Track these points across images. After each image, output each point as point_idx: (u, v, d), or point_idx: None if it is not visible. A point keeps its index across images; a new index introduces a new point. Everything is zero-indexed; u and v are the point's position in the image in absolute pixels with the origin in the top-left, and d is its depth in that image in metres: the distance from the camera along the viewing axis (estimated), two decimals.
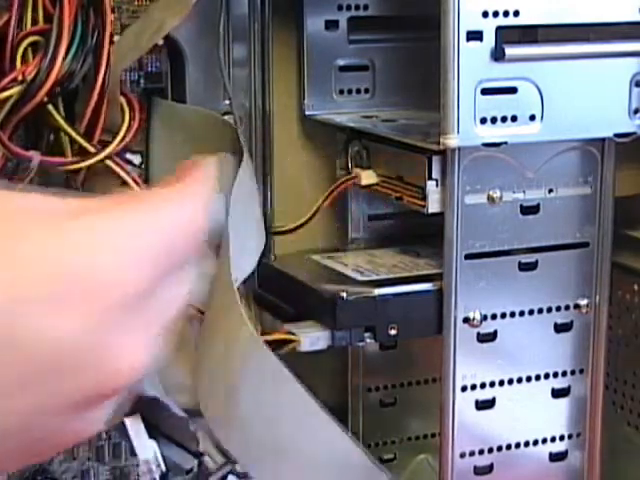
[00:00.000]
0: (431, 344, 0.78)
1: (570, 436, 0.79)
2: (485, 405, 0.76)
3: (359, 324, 0.74)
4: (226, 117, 0.77)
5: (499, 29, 0.68)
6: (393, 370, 0.90)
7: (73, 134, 0.70)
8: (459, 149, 0.71)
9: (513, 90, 0.70)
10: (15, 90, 0.67)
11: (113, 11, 0.74)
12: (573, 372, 0.78)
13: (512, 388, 0.77)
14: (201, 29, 0.78)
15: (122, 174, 0.72)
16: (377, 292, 0.74)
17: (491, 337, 0.75)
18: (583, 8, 0.71)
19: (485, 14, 0.68)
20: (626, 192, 0.79)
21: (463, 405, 0.75)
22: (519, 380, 0.77)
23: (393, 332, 0.74)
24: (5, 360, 0.37)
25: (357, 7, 0.85)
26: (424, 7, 0.74)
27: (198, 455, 0.70)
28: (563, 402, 0.79)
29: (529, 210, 0.74)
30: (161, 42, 0.76)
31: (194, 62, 0.79)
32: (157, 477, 0.68)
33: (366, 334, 0.74)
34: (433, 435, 0.89)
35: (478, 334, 0.75)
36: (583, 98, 0.72)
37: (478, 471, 0.77)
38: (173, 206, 0.42)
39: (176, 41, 0.77)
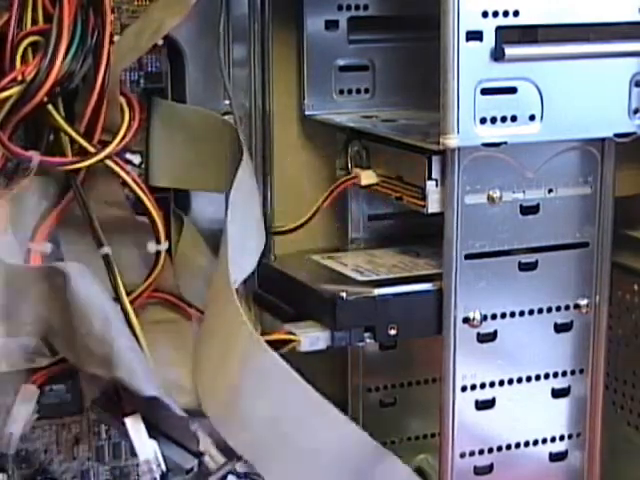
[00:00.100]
0: (431, 344, 0.78)
1: (570, 436, 0.79)
2: (485, 405, 0.76)
3: (359, 324, 0.74)
4: (226, 117, 0.77)
5: (499, 29, 0.68)
6: (393, 370, 0.90)
7: (73, 134, 0.70)
8: (459, 149, 0.71)
9: (513, 90, 0.70)
10: (15, 90, 0.67)
11: (113, 11, 0.74)
12: (573, 372, 0.78)
13: (512, 388, 0.77)
14: (201, 29, 0.78)
15: (122, 174, 0.72)
16: (377, 292, 0.74)
17: (491, 337, 0.75)
18: (583, 8, 0.71)
19: (485, 14, 0.68)
20: (626, 192, 0.80)
21: (463, 405, 0.76)
22: (519, 380, 0.77)
23: (393, 332, 0.74)
24: None
25: (357, 7, 0.85)
26: (424, 7, 0.74)
27: (198, 455, 0.70)
28: (563, 402, 0.79)
29: (529, 210, 0.74)
30: (161, 42, 0.76)
31: (194, 62, 0.79)
32: (157, 477, 0.68)
33: (366, 334, 0.74)
34: (433, 435, 0.89)
35: (478, 334, 0.75)
36: (583, 98, 0.72)
37: (478, 471, 0.77)
38: None
39: (176, 41, 0.77)
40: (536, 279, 0.75)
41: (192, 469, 0.70)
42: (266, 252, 0.78)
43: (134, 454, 0.69)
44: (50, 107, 0.69)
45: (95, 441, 0.83)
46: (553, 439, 0.79)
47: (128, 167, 0.73)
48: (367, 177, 0.80)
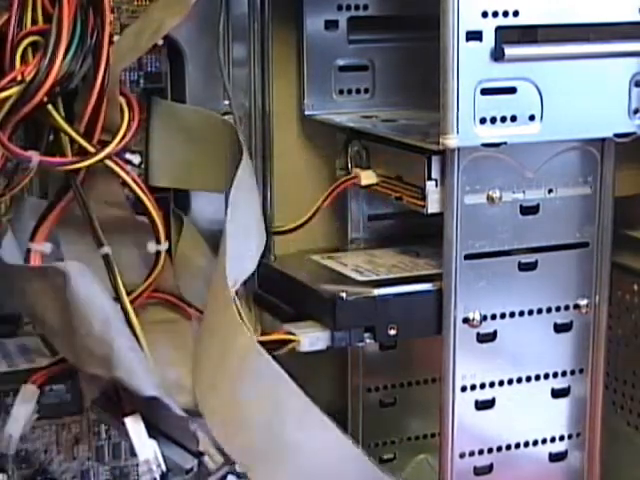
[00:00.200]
0: (431, 344, 0.78)
1: (570, 436, 0.79)
2: (485, 405, 0.76)
3: (359, 324, 0.74)
4: (226, 117, 0.77)
5: (499, 29, 0.68)
6: (393, 370, 0.90)
7: (73, 134, 0.70)
8: (459, 149, 0.71)
9: (513, 90, 0.70)
10: (14, 90, 0.67)
11: (112, 11, 0.74)
12: (573, 372, 0.78)
13: (512, 388, 0.77)
14: (201, 29, 0.78)
15: (122, 174, 0.72)
16: (377, 292, 0.74)
17: (491, 337, 0.75)
18: (583, 8, 0.71)
19: (485, 14, 0.68)
20: (626, 192, 0.80)
21: (463, 405, 0.75)
22: (519, 380, 0.77)
23: (393, 332, 0.74)
24: None
25: (357, 7, 0.85)
26: (424, 7, 0.74)
27: (198, 455, 0.70)
28: (563, 402, 0.79)
29: (529, 210, 0.74)
30: (161, 42, 0.76)
31: (194, 62, 0.79)
32: (157, 477, 0.68)
33: (366, 334, 0.74)
34: (433, 435, 0.89)
35: (478, 334, 0.75)
36: (583, 98, 0.72)
37: (478, 471, 0.77)
38: None
39: (176, 41, 0.77)
40: (536, 279, 0.75)
41: (192, 469, 0.70)
42: (266, 252, 0.78)
43: (134, 454, 0.69)
44: (50, 107, 0.69)
45: (95, 441, 0.83)
46: (553, 439, 0.79)
47: (128, 167, 0.73)
48: (367, 177, 0.80)
